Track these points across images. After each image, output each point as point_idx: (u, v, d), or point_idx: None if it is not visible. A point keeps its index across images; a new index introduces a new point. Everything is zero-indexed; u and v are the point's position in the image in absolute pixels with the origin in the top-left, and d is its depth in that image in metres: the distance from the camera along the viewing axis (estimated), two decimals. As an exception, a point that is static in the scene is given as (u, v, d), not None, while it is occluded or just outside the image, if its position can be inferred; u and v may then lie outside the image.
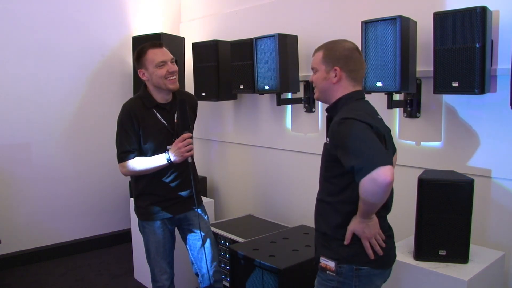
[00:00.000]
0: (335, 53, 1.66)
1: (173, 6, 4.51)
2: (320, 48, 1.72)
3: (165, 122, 2.26)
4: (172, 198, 2.32)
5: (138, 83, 3.34)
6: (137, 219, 2.40)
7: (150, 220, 2.32)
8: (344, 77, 1.66)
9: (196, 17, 4.30)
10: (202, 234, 2.37)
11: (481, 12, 2.01)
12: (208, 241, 2.40)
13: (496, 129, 2.23)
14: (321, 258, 1.68)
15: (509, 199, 2.22)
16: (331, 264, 1.64)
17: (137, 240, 3.37)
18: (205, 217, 2.46)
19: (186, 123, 2.19)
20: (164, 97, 2.28)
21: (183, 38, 3.93)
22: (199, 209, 2.41)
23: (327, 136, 1.66)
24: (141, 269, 3.41)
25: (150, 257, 2.36)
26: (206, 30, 4.08)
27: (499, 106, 2.19)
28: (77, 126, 4.08)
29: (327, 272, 1.65)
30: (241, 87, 3.30)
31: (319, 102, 3.07)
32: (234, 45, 3.33)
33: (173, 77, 2.24)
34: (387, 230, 1.72)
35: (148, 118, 2.24)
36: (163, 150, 2.21)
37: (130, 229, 3.71)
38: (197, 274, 2.47)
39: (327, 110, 1.75)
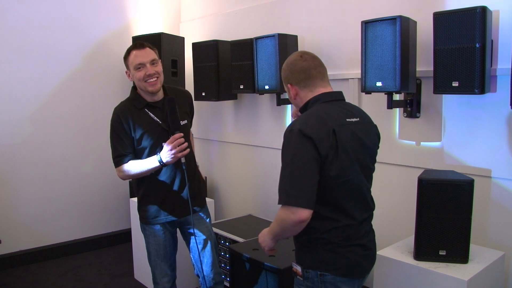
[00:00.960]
0: (283, 74, 1.77)
1: (173, 6, 4.51)
2: None
3: (158, 120, 2.23)
4: (173, 200, 2.30)
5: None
6: (137, 219, 2.40)
7: (151, 224, 2.31)
8: (299, 90, 1.72)
9: (196, 17, 4.30)
10: (203, 237, 2.37)
11: (481, 12, 2.00)
12: (209, 244, 2.39)
13: (496, 129, 2.23)
14: (292, 262, 1.73)
15: (509, 199, 2.22)
16: (298, 268, 1.68)
17: (137, 240, 3.37)
18: (207, 220, 2.44)
19: (176, 123, 2.16)
20: (151, 97, 2.25)
21: (183, 38, 3.92)
22: (201, 212, 2.41)
23: None
24: (141, 269, 3.40)
25: (151, 260, 2.35)
26: (206, 30, 4.08)
27: (499, 106, 2.19)
28: (77, 126, 4.08)
29: (297, 276, 1.69)
30: (241, 87, 3.30)
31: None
32: (234, 45, 3.33)
33: (152, 80, 2.18)
34: (358, 238, 1.65)
35: (140, 118, 2.22)
36: (161, 148, 2.19)
37: (130, 229, 3.71)
38: (198, 276, 2.47)
39: (301, 111, 1.76)
